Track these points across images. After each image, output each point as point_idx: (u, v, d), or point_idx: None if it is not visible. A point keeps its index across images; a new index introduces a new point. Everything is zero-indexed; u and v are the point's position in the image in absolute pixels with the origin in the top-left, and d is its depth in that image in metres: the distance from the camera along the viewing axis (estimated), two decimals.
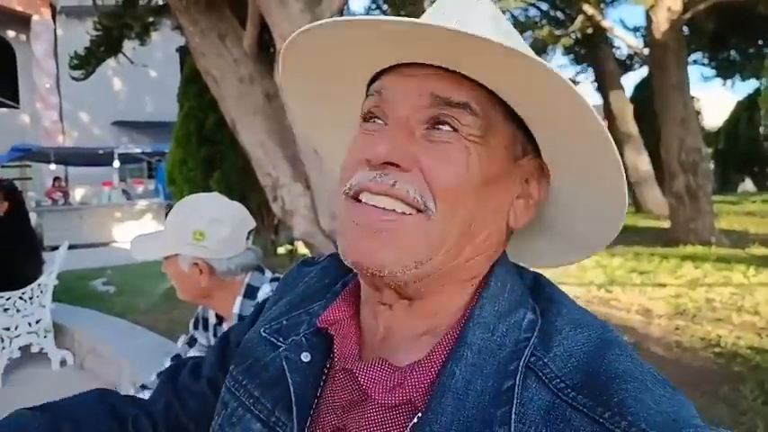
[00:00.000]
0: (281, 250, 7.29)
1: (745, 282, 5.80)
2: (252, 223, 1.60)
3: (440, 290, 0.58)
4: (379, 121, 0.57)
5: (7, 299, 4.49)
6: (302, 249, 6.51)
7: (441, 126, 0.54)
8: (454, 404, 0.52)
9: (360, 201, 0.55)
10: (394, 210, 0.53)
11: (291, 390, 0.59)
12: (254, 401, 0.63)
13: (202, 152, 6.36)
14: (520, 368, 0.52)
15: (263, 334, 0.67)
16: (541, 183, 0.61)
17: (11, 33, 18.42)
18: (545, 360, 0.53)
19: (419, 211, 0.53)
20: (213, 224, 1.51)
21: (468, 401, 0.52)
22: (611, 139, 0.53)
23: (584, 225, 0.65)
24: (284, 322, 0.67)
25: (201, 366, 0.79)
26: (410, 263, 0.54)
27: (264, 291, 1.55)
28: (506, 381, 0.52)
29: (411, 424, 0.53)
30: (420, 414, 0.53)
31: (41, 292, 4.67)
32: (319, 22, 0.54)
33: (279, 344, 0.65)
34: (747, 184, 20.84)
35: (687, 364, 3.74)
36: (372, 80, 0.61)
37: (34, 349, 4.59)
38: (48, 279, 4.70)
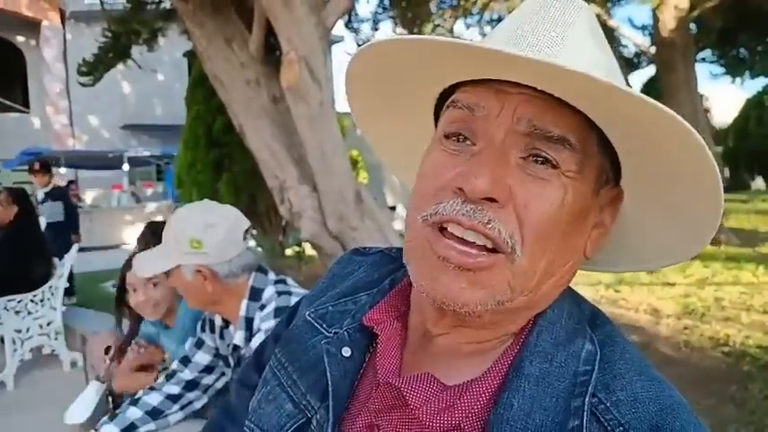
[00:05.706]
0: (288, 252, 7.31)
1: (754, 281, 5.76)
2: (245, 222, 1.63)
3: (509, 321, 0.56)
4: (467, 142, 0.53)
5: (19, 301, 4.54)
6: (310, 251, 6.53)
7: (539, 159, 0.50)
8: None
9: (442, 230, 0.51)
10: (481, 245, 0.50)
11: (329, 383, 0.59)
12: (292, 383, 0.64)
13: (211, 155, 6.39)
14: (585, 408, 0.50)
15: (309, 318, 0.67)
16: (614, 210, 0.58)
17: (21, 38, 18.58)
18: (607, 404, 0.50)
19: (504, 252, 0.50)
20: (208, 230, 1.54)
21: None
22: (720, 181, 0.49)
23: (655, 244, 0.62)
24: (330, 308, 0.67)
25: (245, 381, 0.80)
26: (492, 303, 0.51)
27: (268, 292, 1.57)
28: (571, 420, 0.50)
29: None
30: None
31: (52, 294, 4.72)
32: (393, 37, 0.51)
33: (322, 330, 0.65)
34: (758, 183, 20.67)
35: (695, 363, 3.72)
36: (447, 91, 0.57)
37: (46, 351, 4.65)
38: (58, 281, 4.75)
